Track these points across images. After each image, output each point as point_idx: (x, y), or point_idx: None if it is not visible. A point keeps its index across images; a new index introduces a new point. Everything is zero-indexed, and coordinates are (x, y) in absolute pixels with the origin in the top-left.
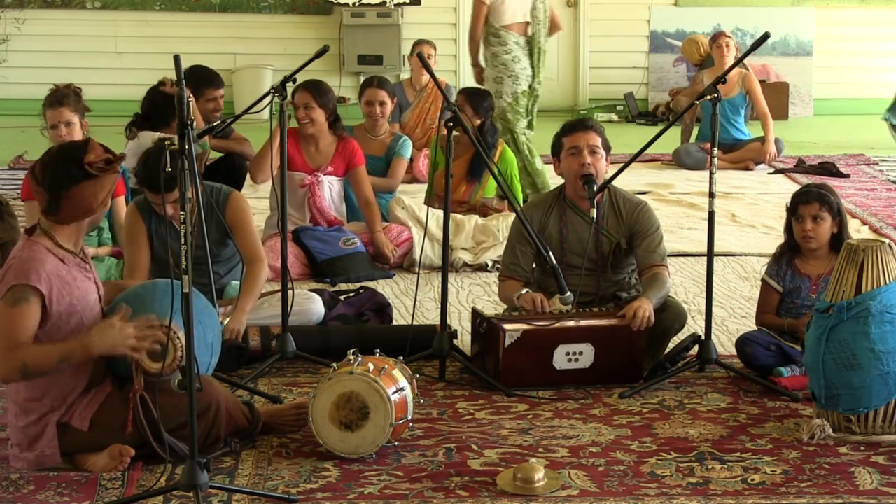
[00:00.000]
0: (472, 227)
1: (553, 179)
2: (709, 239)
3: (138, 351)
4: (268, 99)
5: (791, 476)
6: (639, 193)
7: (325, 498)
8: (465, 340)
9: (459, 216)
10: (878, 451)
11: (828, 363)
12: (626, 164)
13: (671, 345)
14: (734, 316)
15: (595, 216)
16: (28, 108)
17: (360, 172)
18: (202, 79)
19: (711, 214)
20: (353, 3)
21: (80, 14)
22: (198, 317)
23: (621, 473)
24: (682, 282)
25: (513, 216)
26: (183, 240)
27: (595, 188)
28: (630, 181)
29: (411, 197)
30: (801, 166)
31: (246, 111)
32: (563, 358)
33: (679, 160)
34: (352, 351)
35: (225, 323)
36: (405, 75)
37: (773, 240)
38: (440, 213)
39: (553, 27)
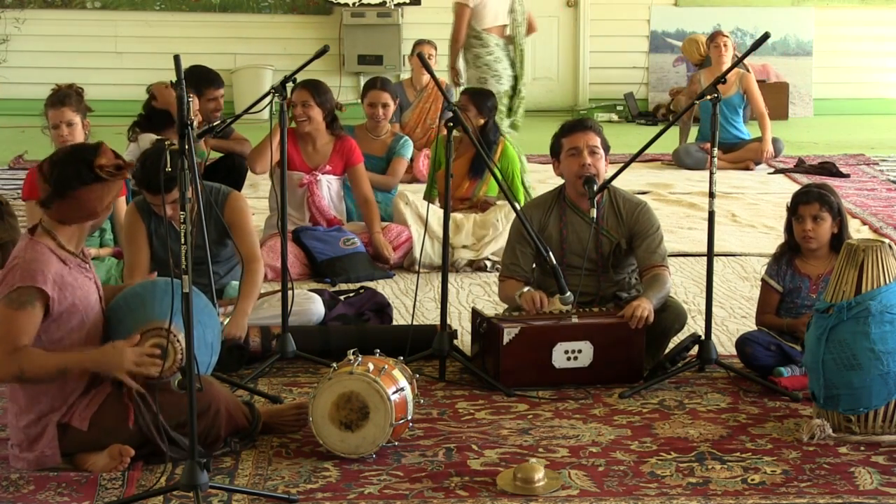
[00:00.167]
0: (472, 224)
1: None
2: (709, 239)
3: (135, 378)
4: (268, 99)
5: (791, 476)
6: (639, 193)
7: (325, 498)
8: (465, 340)
9: (459, 215)
10: (878, 451)
11: (828, 363)
12: (626, 164)
13: (671, 345)
14: (734, 316)
15: (595, 216)
16: (28, 108)
17: (359, 171)
18: (202, 79)
19: (711, 214)
20: (353, 3)
21: (80, 14)
22: (197, 317)
23: (621, 473)
24: (682, 282)
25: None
26: (183, 240)
27: (595, 188)
28: (630, 181)
29: (412, 195)
30: (801, 166)
31: (246, 111)
32: (563, 356)
33: (679, 160)
34: (352, 351)
35: (225, 323)
36: (405, 75)
37: (773, 240)
38: (441, 211)
39: (529, 29)
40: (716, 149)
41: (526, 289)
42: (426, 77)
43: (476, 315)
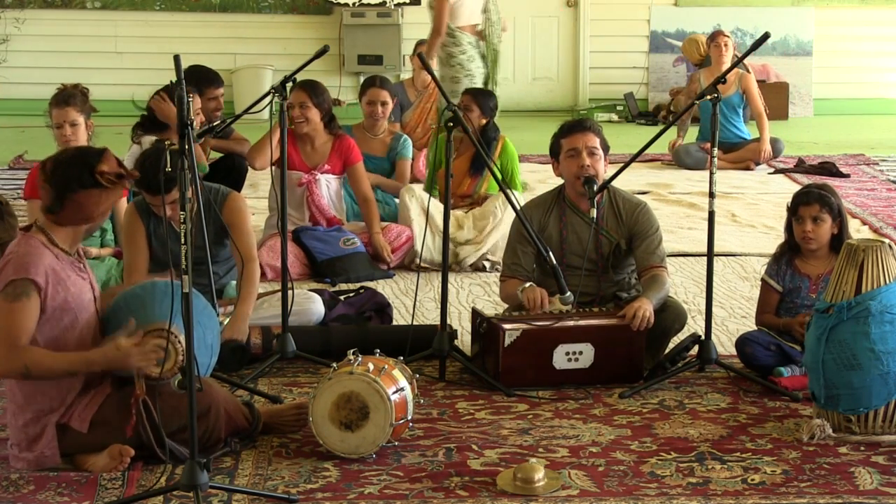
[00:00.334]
0: (472, 219)
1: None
2: (709, 239)
3: (139, 370)
4: (268, 99)
5: (791, 476)
6: (639, 193)
7: (325, 498)
8: (465, 340)
9: (459, 212)
10: (878, 451)
11: (828, 363)
12: (626, 164)
13: (671, 345)
14: (734, 316)
15: (595, 217)
16: (28, 108)
17: (358, 170)
18: (203, 78)
19: (711, 214)
20: (353, 3)
21: (80, 14)
22: (197, 317)
23: (621, 473)
24: (682, 282)
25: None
26: (183, 240)
27: (595, 189)
28: (630, 181)
29: (419, 188)
30: (801, 166)
31: (246, 111)
32: (563, 358)
33: (679, 160)
34: (352, 351)
35: (225, 323)
36: (405, 75)
37: (773, 240)
38: (443, 205)
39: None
40: (716, 149)
41: (528, 284)
42: (427, 77)
43: (476, 315)
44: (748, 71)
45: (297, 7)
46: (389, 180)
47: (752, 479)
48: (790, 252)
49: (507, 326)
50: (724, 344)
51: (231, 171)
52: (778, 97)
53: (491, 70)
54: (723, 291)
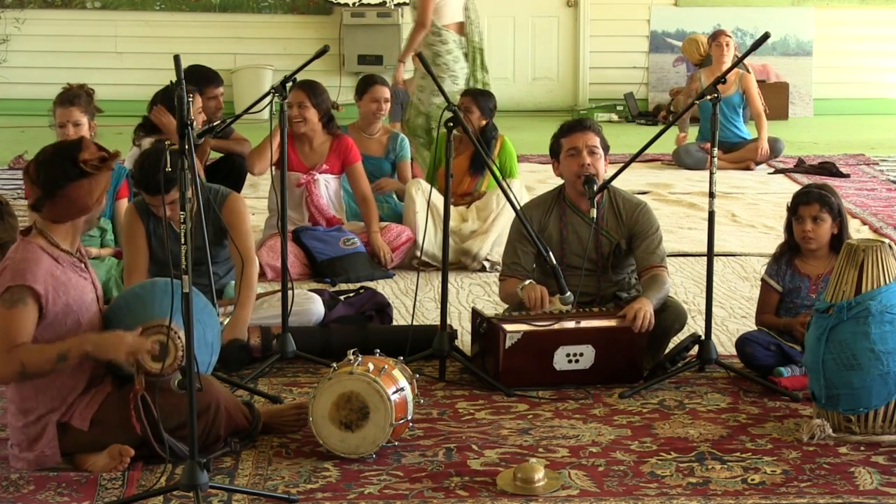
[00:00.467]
0: (475, 210)
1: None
2: (709, 239)
3: (135, 355)
4: (268, 99)
5: (791, 476)
6: (639, 193)
7: (325, 498)
8: (465, 340)
9: (461, 207)
10: (878, 451)
11: (828, 363)
12: (626, 164)
13: (671, 345)
14: (734, 316)
15: (595, 216)
16: (28, 108)
17: (357, 169)
18: (202, 77)
19: (711, 214)
20: (353, 3)
21: (80, 14)
22: (197, 316)
23: (621, 473)
24: (682, 282)
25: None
26: (183, 240)
27: (595, 188)
28: (630, 181)
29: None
30: (801, 166)
31: (246, 111)
32: (564, 359)
33: (679, 160)
34: (352, 351)
35: (224, 323)
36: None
37: (773, 240)
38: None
39: None
40: (716, 149)
41: (528, 282)
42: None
43: (476, 315)
44: (748, 71)
45: (297, 7)
46: (396, 183)
47: (752, 479)
48: (790, 252)
49: (507, 328)
50: (724, 344)
51: (231, 172)
52: (778, 97)
53: (472, 68)
54: (723, 291)
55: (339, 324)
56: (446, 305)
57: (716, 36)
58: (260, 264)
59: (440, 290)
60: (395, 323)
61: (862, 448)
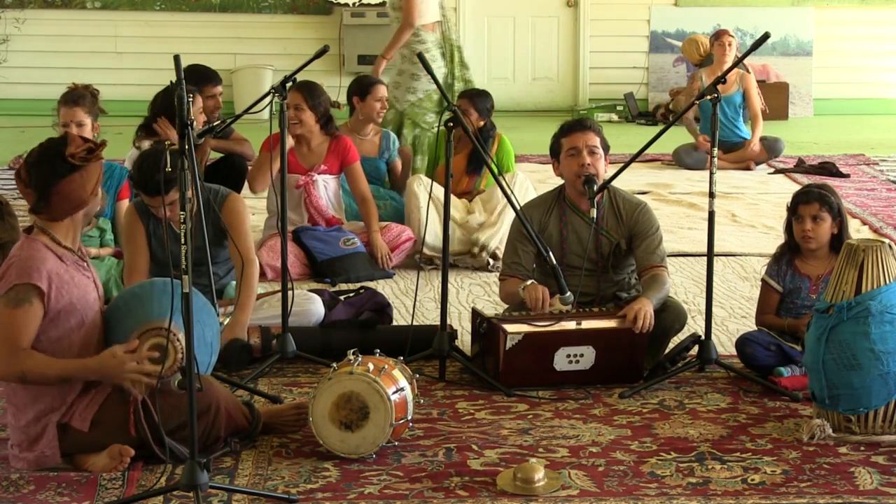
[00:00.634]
0: (480, 203)
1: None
2: (709, 239)
3: (135, 384)
4: (268, 99)
5: (791, 476)
6: (639, 193)
7: (325, 498)
8: (465, 340)
9: (464, 200)
10: (878, 451)
11: (828, 363)
12: (626, 164)
13: (671, 345)
14: (734, 316)
15: (595, 216)
16: (28, 108)
17: (356, 169)
18: (201, 76)
19: (711, 214)
20: (353, 3)
21: (80, 14)
22: (197, 315)
23: (621, 473)
24: (682, 282)
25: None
26: (183, 240)
27: (595, 188)
28: (630, 181)
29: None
30: (801, 166)
31: (246, 111)
32: (564, 360)
33: (679, 160)
34: (352, 351)
35: (224, 323)
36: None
37: (773, 240)
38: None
39: None
40: (716, 149)
41: (529, 282)
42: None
43: (476, 315)
44: (748, 71)
45: (297, 7)
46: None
47: (752, 479)
48: (790, 252)
49: (508, 328)
50: (724, 344)
51: (231, 172)
52: (778, 97)
53: (451, 65)
54: (723, 291)
55: (341, 328)
56: (446, 305)
57: (718, 35)
58: (260, 264)
59: (440, 290)
60: (395, 323)
61: (862, 448)
